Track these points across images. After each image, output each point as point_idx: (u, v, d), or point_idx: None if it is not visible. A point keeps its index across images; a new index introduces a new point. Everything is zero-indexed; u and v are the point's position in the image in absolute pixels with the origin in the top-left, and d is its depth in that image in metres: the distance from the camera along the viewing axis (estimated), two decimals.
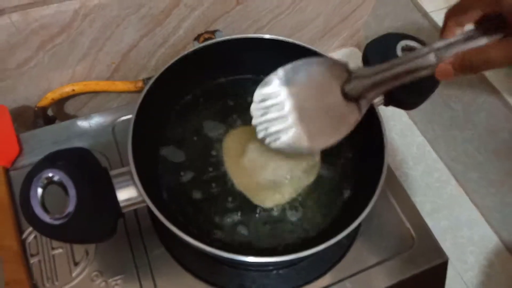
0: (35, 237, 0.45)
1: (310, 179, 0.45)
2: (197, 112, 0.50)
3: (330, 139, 0.38)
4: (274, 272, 0.44)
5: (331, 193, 0.46)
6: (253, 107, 0.39)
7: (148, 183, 0.38)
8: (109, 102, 0.70)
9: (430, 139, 0.74)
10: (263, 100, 0.39)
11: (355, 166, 0.47)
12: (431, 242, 0.47)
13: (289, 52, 0.46)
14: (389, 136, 0.76)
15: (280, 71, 0.39)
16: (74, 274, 0.43)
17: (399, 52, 0.43)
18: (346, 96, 0.37)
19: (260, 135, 0.39)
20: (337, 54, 0.87)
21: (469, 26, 0.30)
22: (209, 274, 0.43)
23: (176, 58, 0.45)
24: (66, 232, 0.33)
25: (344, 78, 0.37)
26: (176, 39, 0.63)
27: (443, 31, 0.31)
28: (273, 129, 0.39)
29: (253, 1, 0.64)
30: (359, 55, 0.87)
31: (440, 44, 0.30)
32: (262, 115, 0.39)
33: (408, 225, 0.49)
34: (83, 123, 0.54)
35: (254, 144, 0.44)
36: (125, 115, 0.54)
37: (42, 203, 0.33)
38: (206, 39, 0.63)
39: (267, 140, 0.39)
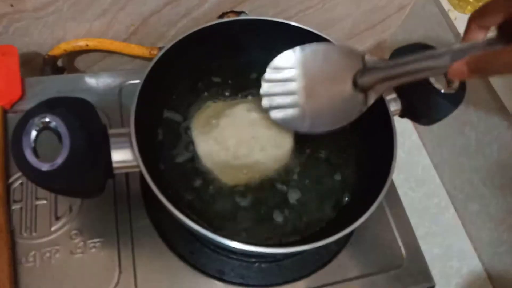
0: (21, 183, 0.44)
1: (274, 165, 0.43)
2: (205, 88, 0.49)
3: (330, 126, 0.38)
4: (256, 264, 0.43)
5: (331, 195, 0.44)
6: (264, 77, 0.40)
7: (145, 150, 0.36)
8: (121, 65, 0.68)
9: (437, 163, 0.72)
10: (275, 72, 0.40)
11: (359, 173, 0.45)
12: (421, 265, 0.46)
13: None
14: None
15: (298, 49, 0.40)
16: (53, 228, 0.42)
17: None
18: (356, 85, 0.37)
19: (265, 104, 0.39)
20: None
21: (491, 33, 0.30)
22: (189, 254, 0.42)
23: (195, 29, 0.44)
24: (53, 180, 0.31)
25: (358, 68, 0.37)
26: (200, 13, 0.62)
27: (465, 34, 0.31)
28: (278, 101, 0.39)
29: None
30: None
31: (458, 46, 0.30)
32: (271, 86, 0.39)
33: (400, 243, 0.47)
34: (90, 79, 0.53)
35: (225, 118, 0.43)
36: (134, 79, 0.53)
37: (34, 146, 0.31)
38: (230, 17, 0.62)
39: (270, 111, 0.39)
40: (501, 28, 0.29)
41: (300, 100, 0.39)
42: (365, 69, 0.36)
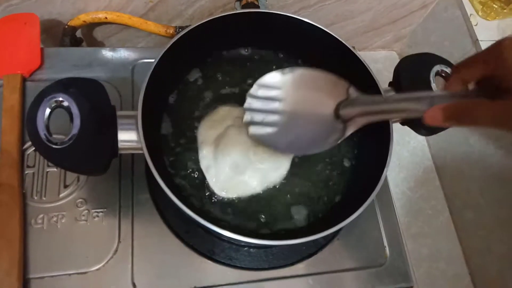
0: (35, 150, 0.46)
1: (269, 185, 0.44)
2: (216, 76, 0.50)
3: (305, 150, 0.40)
4: (245, 248, 0.46)
5: (325, 193, 0.46)
6: (250, 92, 0.40)
7: (151, 132, 0.38)
8: (138, 38, 0.70)
9: (439, 166, 0.73)
10: (261, 89, 0.40)
11: (353, 174, 0.47)
12: (402, 266, 0.48)
13: (323, 43, 0.46)
14: (400, 153, 0.75)
15: (287, 71, 0.40)
16: (61, 195, 0.45)
17: (432, 74, 0.42)
18: (338, 115, 0.38)
19: (246, 118, 0.40)
20: (376, 55, 0.85)
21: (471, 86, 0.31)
22: (184, 233, 0.45)
23: (214, 16, 0.44)
24: (61, 158, 0.34)
25: (342, 98, 0.38)
26: None
27: (446, 84, 0.32)
28: (258, 118, 0.40)
29: None
30: (396, 61, 0.84)
31: (438, 93, 0.32)
32: (255, 102, 0.40)
33: (385, 243, 0.49)
34: (106, 54, 0.54)
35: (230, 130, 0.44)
36: (147, 58, 0.54)
37: (47, 124, 0.34)
38: (248, 3, 0.61)
39: (250, 126, 0.40)
40: (479, 83, 0.30)
41: (281, 121, 0.39)
42: (349, 100, 0.37)
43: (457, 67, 0.32)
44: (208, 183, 0.43)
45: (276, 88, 0.40)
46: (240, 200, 0.43)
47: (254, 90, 0.40)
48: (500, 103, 0.26)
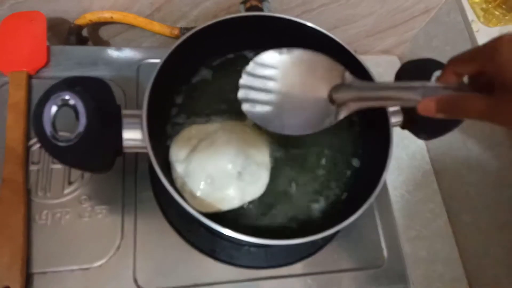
0: (40, 147, 0.47)
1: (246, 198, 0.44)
2: (222, 78, 0.50)
3: (298, 131, 0.39)
4: (246, 248, 0.46)
5: (325, 194, 0.46)
6: (246, 69, 0.40)
7: (156, 132, 0.39)
8: (143, 38, 0.70)
9: (438, 170, 0.74)
10: (258, 67, 0.40)
11: (352, 176, 0.48)
12: (399, 268, 0.49)
13: (325, 46, 0.46)
14: (399, 156, 0.76)
15: (285, 51, 0.40)
16: (65, 192, 0.45)
17: (433, 80, 0.42)
18: (331, 98, 0.38)
19: (240, 95, 0.40)
20: (378, 59, 0.85)
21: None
22: (186, 231, 0.46)
23: (218, 19, 0.45)
24: (67, 155, 0.34)
25: (337, 82, 0.38)
26: None
27: (441, 76, 0.32)
28: (253, 96, 0.39)
29: None
30: (397, 65, 0.85)
31: (432, 84, 0.32)
32: (251, 80, 0.40)
33: (383, 245, 0.50)
34: (112, 53, 0.55)
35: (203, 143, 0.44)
36: (153, 58, 0.55)
37: (53, 121, 0.34)
38: (252, 6, 0.62)
39: (243, 103, 0.40)
40: (473, 77, 0.31)
41: (275, 100, 0.39)
42: (343, 84, 0.37)
43: (451, 61, 0.32)
44: (187, 200, 0.42)
45: (272, 67, 0.40)
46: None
47: (250, 67, 0.40)
48: (492, 98, 0.27)
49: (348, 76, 0.38)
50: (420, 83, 0.32)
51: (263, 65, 0.40)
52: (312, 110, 0.39)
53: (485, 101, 0.27)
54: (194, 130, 0.46)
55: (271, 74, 0.40)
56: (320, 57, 0.40)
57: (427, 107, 0.30)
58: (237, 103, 0.39)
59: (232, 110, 0.47)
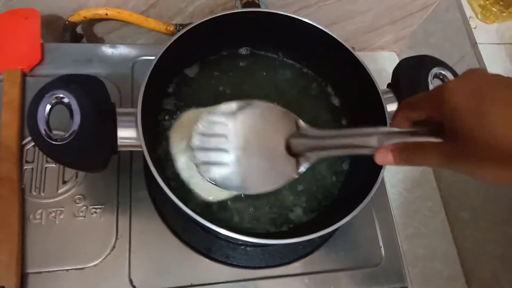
0: (34, 146, 0.47)
1: None
2: (217, 75, 0.50)
3: (261, 188, 0.38)
4: (242, 247, 0.46)
5: (322, 193, 0.46)
6: (197, 130, 0.38)
7: (150, 131, 0.39)
8: (138, 34, 0.70)
9: (436, 168, 0.73)
10: (209, 125, 0.38)
11: (350, 174, 0.47)
12: (397, 266, 0.48)
13: (323, 43, 0.46)
14: None
15: (234, 105, 0.38)
16: (60, 191, 0.45)
17: (430, 77, 0.42)
18: (289, 149, 0.37)
19: (196, 160, 0.37)
20: (376, 55, 0.85)
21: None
22: (182, 230, 0.45)
23: (214, 15, 0.44)
24: (61, 154, 0.34)
25: (292, 132, 0.37)
26: None
27: (393, 121, 0.32)
28: (209, 158, 0.37)
29: None
30: (395, 62, 0.84)
31: (385, 129, 0.31)
32: (203, 141, 0.38)
33: (381, 243, 0.49)
34: (106, 50, 0.54)
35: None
36: (148, 55, 0.54)
37: (47, 120, 0.34)
38: (249, 2, 0.62)
39: (200, 167, 0.37)
40: (424, 122, 0.30)
41: (232, 158, 0.38)
42: (298, 133, 0.36)
43: (402, 106, 0.32)
44: (193, 190, 0.43)
45: (223, 124, 0.38)
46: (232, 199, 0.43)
47: (201, 127, 0.38)
48: (444, 146, 0.27)
49: (301, 124, 0.36)
50: (374, 129, 0.31)
51: (215, 123, 0.38)
52: (271, 164, 0.37)
53: (441, 149, 0.27)
54: (192, 114, 0.45)
55: (224, 131, 0.38)
56: (271, 106, 0.38)
57: (385, 158, 0.30)
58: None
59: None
